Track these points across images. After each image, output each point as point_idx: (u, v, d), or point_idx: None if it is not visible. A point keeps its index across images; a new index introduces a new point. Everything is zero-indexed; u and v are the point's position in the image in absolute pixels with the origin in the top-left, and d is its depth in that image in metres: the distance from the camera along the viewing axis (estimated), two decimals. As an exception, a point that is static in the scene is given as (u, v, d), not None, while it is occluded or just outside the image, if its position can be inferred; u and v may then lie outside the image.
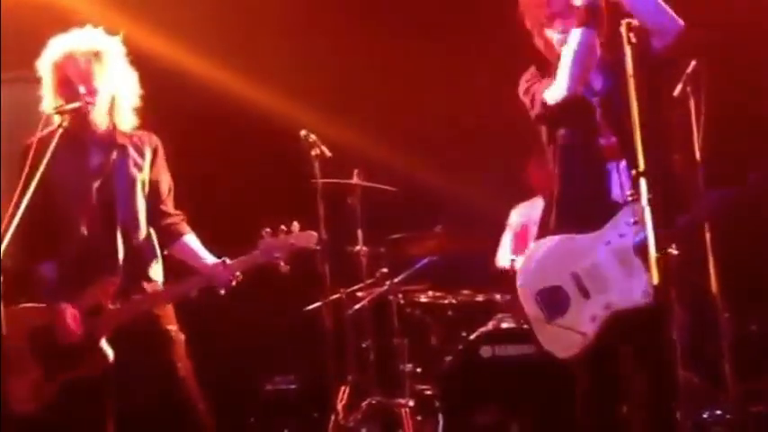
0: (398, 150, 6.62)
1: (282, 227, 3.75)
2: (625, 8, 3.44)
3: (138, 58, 3.96)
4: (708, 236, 3.75)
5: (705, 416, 4.81)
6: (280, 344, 6.57)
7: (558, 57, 3.60)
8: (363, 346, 5.68)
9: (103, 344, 3.68)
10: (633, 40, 3.11)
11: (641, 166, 3.01)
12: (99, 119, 3.84)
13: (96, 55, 3.79)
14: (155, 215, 3.94)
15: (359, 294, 5.69)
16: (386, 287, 5.61)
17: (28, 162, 3.59)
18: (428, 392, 5.49)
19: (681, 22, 3.51)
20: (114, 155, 3.87)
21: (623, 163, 3.54)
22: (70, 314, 3.69)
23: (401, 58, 6.59)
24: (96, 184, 3.83)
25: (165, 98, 4.45)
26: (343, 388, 5.52)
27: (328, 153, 5.00)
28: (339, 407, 5.38)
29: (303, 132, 4.98)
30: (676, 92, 3.87)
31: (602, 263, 3.54)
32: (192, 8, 6.18)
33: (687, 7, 3.52)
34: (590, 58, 3.54)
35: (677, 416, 3.48)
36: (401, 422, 5.30)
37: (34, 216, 3.50)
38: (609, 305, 3.51)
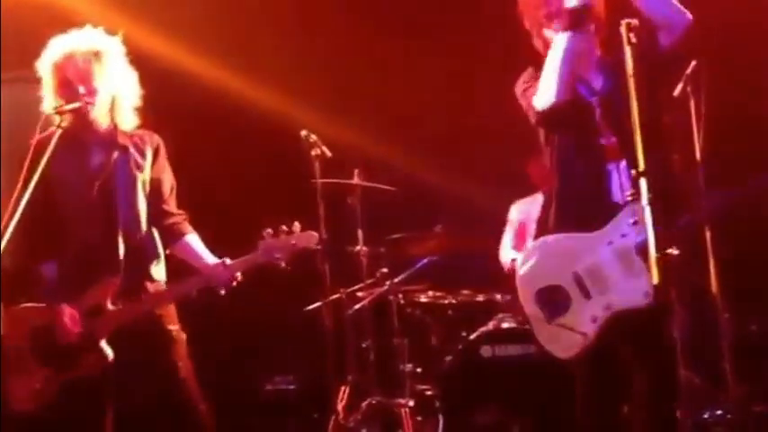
0: (398, 150, 6.61)
1: (284, 227, 3.73)
2: (632, 3, 3.43)
3: (138, 58, 3.96)
4: (708, 236, 3.75)
5: (706, 416, 4.81)
6: (280, 344, 6.57)
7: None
8: (363, 346, 5.67)
9: (103, 344, 3.68)
10: (633, 40, 3.11)
11: (641, 166, 3.00)
12: (99, 119, 3.84)
13: (96, 55, 3.79)
14: (156, 215, 3.93)
15: (359, 294, 5.69)
16: (386, 287, 5.61)
17: (27, 162, 3.59)
18: (428, 392, 5.48)
19: (689, 15, 3.48)
20: (115, 155, 3.87)
21: (623, 163, 3.52)
22: (68, 314, 3.68)
23: (401, 58, 6.59)
24: (97, 184, 3.82)
25: (165, 98, 4.44)
26: (343, 388, 5.52)
27: (328, 153, 5.01)
28: (339, 407, 5.38)
29: (303, 132, 4.99)
30: (676, 92, 3.87)
31: (604, 262, 3.51)
32: (191, 8, 6.18)
33: (687, 7, 3.51)
34: (575, 62, 3.52)
35: (678, 416, 3.48)
36: (401, 422, 5.29)
37: (35, 216, 3.51)
38: (609, 306, 3.48)
